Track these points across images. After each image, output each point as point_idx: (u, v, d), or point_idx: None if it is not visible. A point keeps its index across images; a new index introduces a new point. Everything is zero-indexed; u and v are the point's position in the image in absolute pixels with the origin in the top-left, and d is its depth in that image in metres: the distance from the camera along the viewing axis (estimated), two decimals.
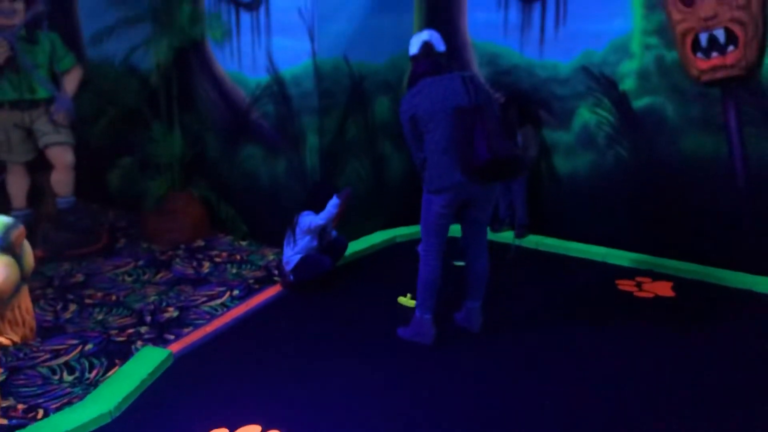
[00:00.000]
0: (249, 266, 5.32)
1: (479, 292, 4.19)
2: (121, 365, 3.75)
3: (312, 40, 5.16)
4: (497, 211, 5.90)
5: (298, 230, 4.83)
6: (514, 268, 5.29)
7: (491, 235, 5.83)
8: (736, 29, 4.68)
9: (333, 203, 4.79)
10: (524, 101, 5.61)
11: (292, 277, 4.82)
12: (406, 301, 4.64)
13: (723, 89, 4.86)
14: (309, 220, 4.80)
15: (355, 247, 5.53)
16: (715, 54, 4.80)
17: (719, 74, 4.81)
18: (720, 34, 4.74)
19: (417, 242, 4.22)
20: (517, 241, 5.68)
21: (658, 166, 5.22)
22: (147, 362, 3.73)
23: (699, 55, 4.86)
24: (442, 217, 3.93)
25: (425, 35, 4.05)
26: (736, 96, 4.82)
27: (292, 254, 4.83)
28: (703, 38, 4.81)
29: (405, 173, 6.17)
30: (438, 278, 4.06)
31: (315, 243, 4.89)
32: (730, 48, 4.73)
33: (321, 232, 4.91)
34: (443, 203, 3.87)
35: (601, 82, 5.35)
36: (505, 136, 3.79)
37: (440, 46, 4.05)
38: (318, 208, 4.83)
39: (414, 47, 4.03)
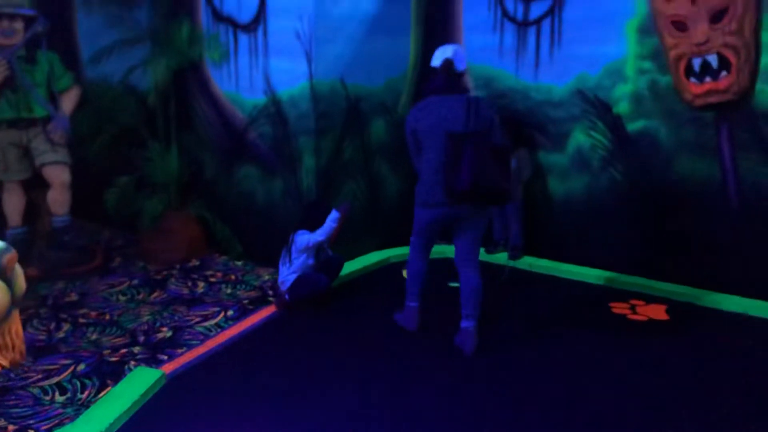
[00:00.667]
0: (244, 286, 5.32)
1: (473, 312, 4.22)
2: (113, 386, 3.74)
3: (309, 62, 5.20)
4: (492, 232, 5.92)
5: (294, 249, 4.83)
6: (508, 290, 5.30)
7: (487, 257, 5.86)
8: (729, 55, 4.73)
9: (332, 218, 4.80)
10: (518, 124, 5.65)
11: (287, 297, 4.82)
12: None
13: (716, 114, 4.90)
14: (306, 238, 4.80)
15: (349, 267, 5.54)
16: (708, 79, 4.85)
17: (712, 99, 4.86)
18: (713, 60, 4.79)
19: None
20: (511, 263, 5.69)
21: (652, 189, 5.25)
22: (139, 383, 3.72)
23: (692, 79, 4.91)
24: (428, 229, 4.24)
25: (449, 51, 4.13)
26: (729, 121, 4.86)
27: (288, 274, 4.83)
28: (696, 63, 4.86)
29: (400, 194, 6.18)
30: (421, 272, 4.40)
31: (311, 261, 4.89)
32: (723, 73, 4.78)
33: (318, 250, 4.92)
34: (429, 218, 4.13)
35: (595, 106, 5.39)
36: (496, 165, 3.88)
37: (461, 64, 4.14)
38: (313, 227, 4.84)
39: (436, 60, 4.15)
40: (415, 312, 4.45)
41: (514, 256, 5.74)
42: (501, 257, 5.82)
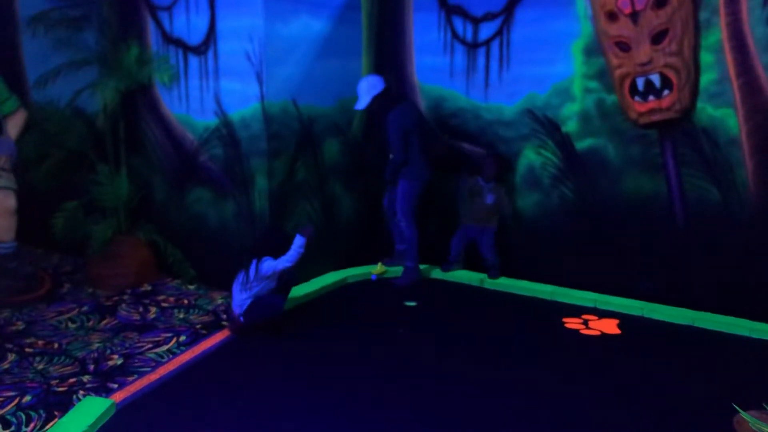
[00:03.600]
0: (196, 311, 5.24)
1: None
2: (60, 417, 3.63)
3: (260, 83, 5.18)
4: (449, 251, 5.96)
5: (258, 276, 4.72)
6: (462, 307, 5.34)
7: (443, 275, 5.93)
8: (670, 74, 4.87)
9: (299, 244, 4.71)
10: (500, 160, 5.70)
11: (242, 320, 4.75)
12: (378, 269, 6.03)
13: (660, 131, 5.04)
14: (272, 264, 4.70)
15: (305, 288, 5.51)
16: (651, 97, 4.98)
17: (656, 117, 5.00)
18: (655, 79, 4.94)
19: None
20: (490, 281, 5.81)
21: (602, 206, 5.36)
22: (88, 413, 3.61)
23: (636, 98, 5.05)
24: (419, 197, 5.74)
25: (376, 79, 5.63)
26: (672, 138, 5.00)
27: (245, 298, 4.76)
28: (640, 82, 5.00)
29: (356, 214, 6.19)
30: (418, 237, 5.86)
31: (273, 285, 4.84)
32: (666, 92, 4.92)
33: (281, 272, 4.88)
34: (420, 186, 5.71)
35: (544, 125, 5.49)
36: None
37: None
38: (274, 253, 4.76)
39: (379, 86, 5.57)
40: (419, 269, 5.88)
41: (494, 276, 5.80)
42: (459, 275, 5.88)
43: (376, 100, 5.55)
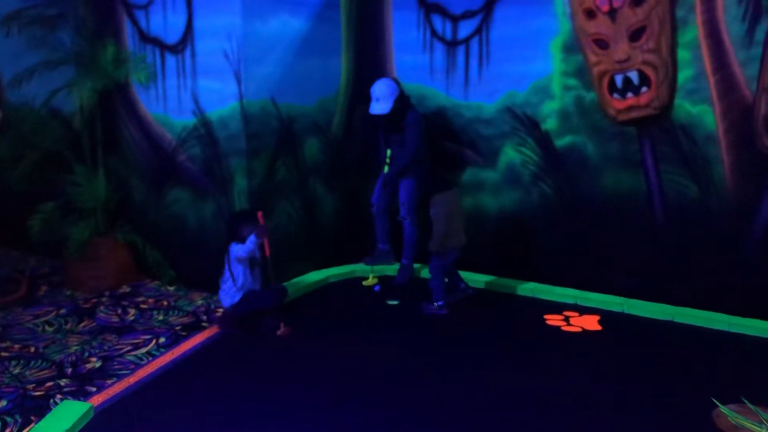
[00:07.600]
0: (176, 312, 5.19)
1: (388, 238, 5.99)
2: (37, 422, 3.58)
3: (238, 82, 5.14)
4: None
5: (231, 261, 4.80)
6: (446, 306, 5.34)
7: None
8: (648, 71, 4.90)
9: (250, 240, 4.76)
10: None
11: (230, 312, 4.79)
12: (369, 281, 5.79)
13: (639, 128, 5.07)
14: (236, 248, 4.79)
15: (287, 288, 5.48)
16: (630, 95, 5.01)
17: (634, 114, 5.02)
18: (634, 76, 4.96)
19: None
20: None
21: (581, 203, 5.38)
22: (65, 417, 3.56)
23: (615, 95, 5.07)
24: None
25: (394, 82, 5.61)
26: (651, 135, 5.03)
27: (234, 291, 4.80)
28: (618, 80, 5.02)
29: (337, 213, 6.17)
30: None
31: (249, 277, 4.86)
32: (644, 89, 4.95)
33: (252, 263, 4.90)
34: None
35: (524, 122, 5.51)
36: None
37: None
38: (238, 238, 4.82)
39: (397, 90, 5.50)
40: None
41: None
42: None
43: (396, 103, 5.47)
